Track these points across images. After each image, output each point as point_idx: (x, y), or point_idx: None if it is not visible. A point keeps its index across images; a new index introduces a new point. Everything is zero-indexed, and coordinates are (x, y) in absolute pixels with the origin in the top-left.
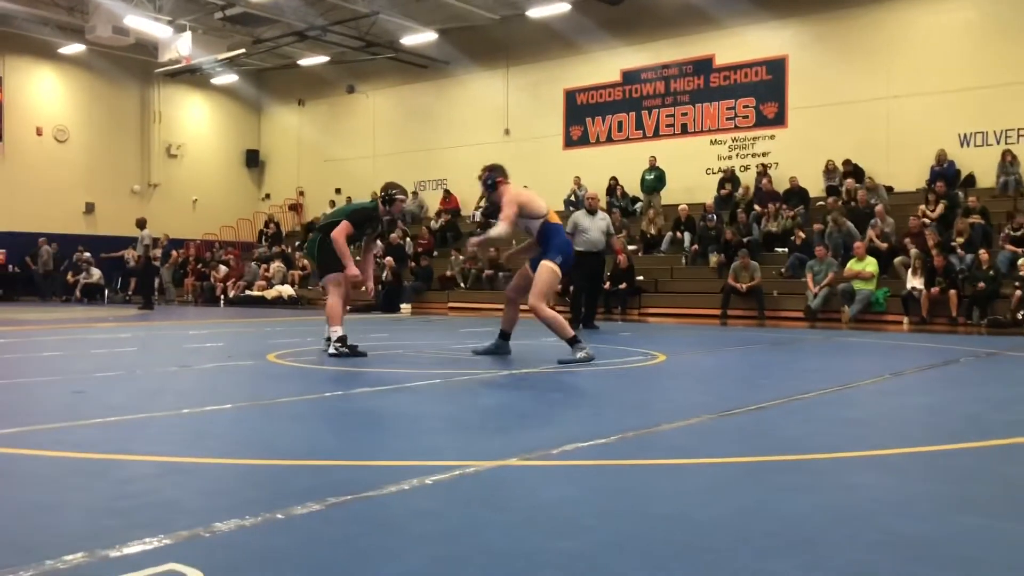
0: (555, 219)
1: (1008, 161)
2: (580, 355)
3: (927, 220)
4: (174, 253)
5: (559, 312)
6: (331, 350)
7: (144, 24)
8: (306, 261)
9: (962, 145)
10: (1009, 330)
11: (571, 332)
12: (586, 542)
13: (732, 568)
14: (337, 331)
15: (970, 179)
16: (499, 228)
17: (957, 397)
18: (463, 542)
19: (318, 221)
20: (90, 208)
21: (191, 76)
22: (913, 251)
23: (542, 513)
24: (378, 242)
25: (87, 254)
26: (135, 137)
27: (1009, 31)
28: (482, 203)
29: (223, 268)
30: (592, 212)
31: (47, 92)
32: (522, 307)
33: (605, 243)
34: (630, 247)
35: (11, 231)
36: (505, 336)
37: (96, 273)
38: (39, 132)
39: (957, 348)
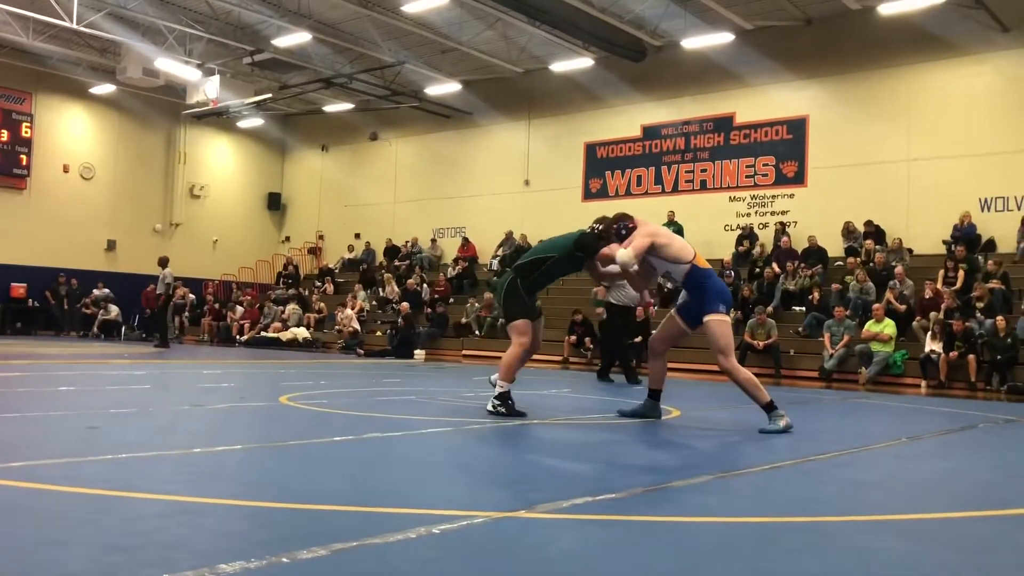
0: (704, 263)
1: None
2: (781, 424)
3: (948, 289)
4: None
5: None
6: (488, 406)
7: (174, 67)
8: (322, 304)
9: (983, 210)
10: None
11: (768, 396)
12: None
13: None
14: (503, 386)
15: (990, 244)
16: (622, 253)
17: (974, 464)
18: None
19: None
20: (111, 245)
21: (217, 118)
22: (932, 314)
23: (548, 566)
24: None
25: (106, 290)
26: (159, 177)
27: None
28: (500, 251)
29: (239, 308)
30: None
31: (76, 130)
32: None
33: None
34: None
35: (33, 265)
36: (655, 395)
37: (114, 310)
38: (66, 169)
39: (975, 414)
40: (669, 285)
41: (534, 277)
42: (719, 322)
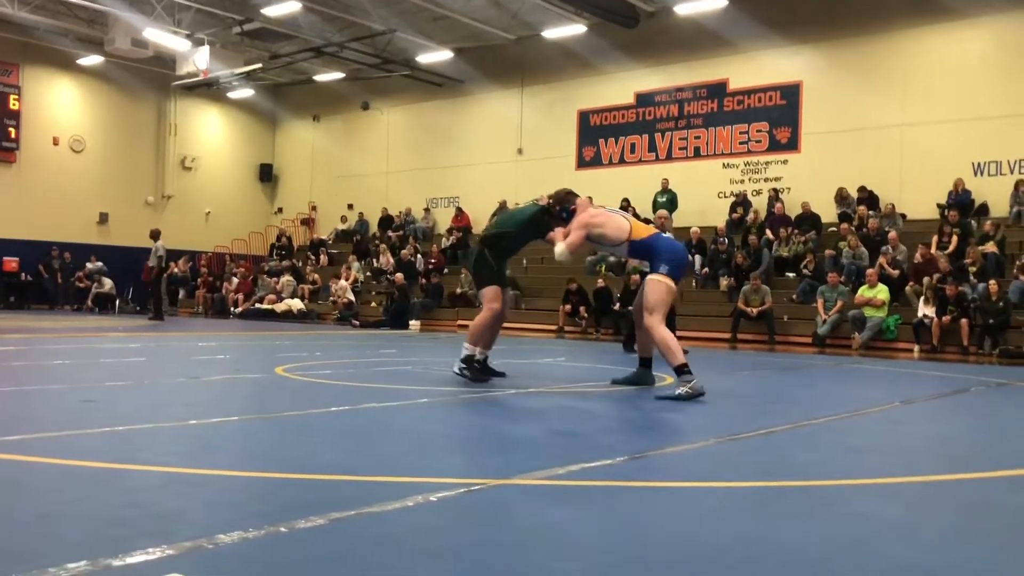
0: (643, 232)
1: (1021, 191)
2: (682, 390)
3: (942, 253)
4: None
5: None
6: (455, 368)
7: (163, 37)
8: (316, 275)
9: (976, 174)
10: (1021, 360)
11: (682, 359)
12: (589, 564)
13: None
14: (467, 349)
15: (983, 208)
16: (558, 249)
17: (966, 427)
18: (465, 560)
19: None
20: (103, 218)
21: (208, 89)
22: (925, 279)
23: (546, 534)
24: None
25: (99, 263)
26: (150, 149)
27: None
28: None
29: (235, 280)
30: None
31: (65, 102)
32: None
33: None
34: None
35: (25, 239)
36: (646, 363)
37: (107, 283)
38: (55, 142)
39: (968, 377)
40: (612, 258)
41: (500, 247)
42: (658, 282)
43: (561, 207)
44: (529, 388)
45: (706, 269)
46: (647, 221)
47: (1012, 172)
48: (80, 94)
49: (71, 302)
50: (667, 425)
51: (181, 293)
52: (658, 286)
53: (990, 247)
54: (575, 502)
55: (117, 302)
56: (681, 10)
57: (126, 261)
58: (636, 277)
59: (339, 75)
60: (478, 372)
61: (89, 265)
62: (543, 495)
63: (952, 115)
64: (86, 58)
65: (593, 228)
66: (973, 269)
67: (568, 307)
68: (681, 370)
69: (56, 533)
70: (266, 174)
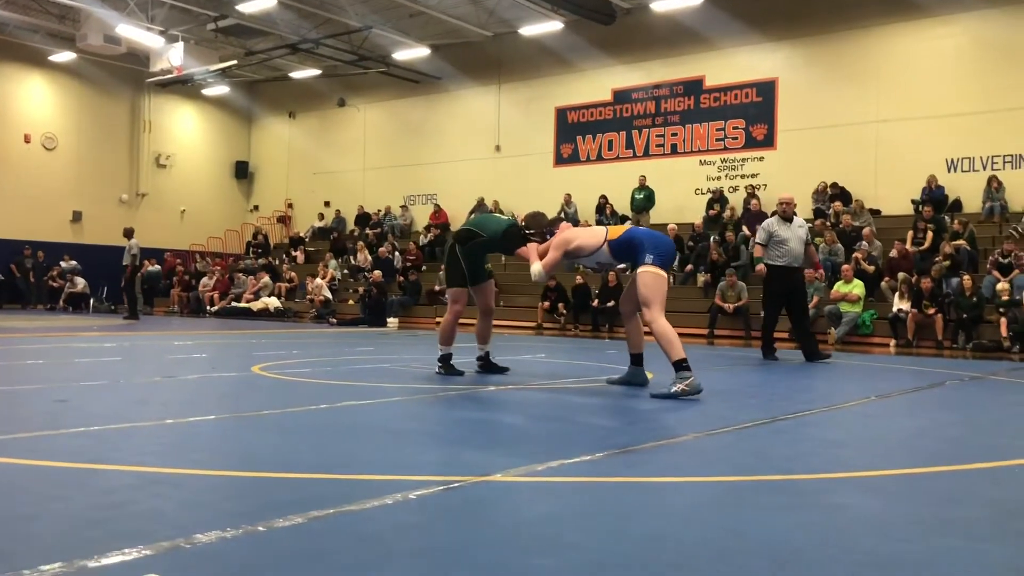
0: (618, 231)
1: (994, 187)
2: (677, 388)
3: (913, 249)
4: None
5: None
6: (435, 370)
7: (136, 34)
8: (293, 274)
9: (949, 170)
10: (994, 354)
11: (682, 353)
12: (568, 560)
13: None
14: (441, 350)
15: (957, 204)
16: (534, 268)
17: (941, 420)
18: (446, 558)
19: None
20: (77, 217)
21: (182, 86)
22: (900, 275)
23: (526, 530)
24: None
25: (73, 262)
26: (124, 146)
27: (997, 58)
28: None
29: (214, 277)
30: (788, 219)
31: (36, 99)
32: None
33: (804, 254)
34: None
35: None
36: (637, 361)
37: (81, 282)
38: (27, 139)
39: (942, 372)
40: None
41: (468, 246)
42: (648, 273)
43: (549, 229)
44: (508, 385)
45: (690, 266)
46: (624, 220)
47: (985, 168)
48: (52, 91)
49: (44, 301)
50: (646, 421)
51: (174, 293)
52: (649, 277)
53: (961, 242)
54: (555, 498)
55: (91, 301)
56: (657, 7)
57: (100, 260)
58: (761, 267)
59: (315, 72)
60: (451, 369)
61: (63, 264)
62: (522, 491)
63: (926, 112)
64: (58, 55)
65: (569, 244)
66: (947, 264)
67: (547, 304)
68: (680, 365)
69: (30, 534)
70: (242, 171)
